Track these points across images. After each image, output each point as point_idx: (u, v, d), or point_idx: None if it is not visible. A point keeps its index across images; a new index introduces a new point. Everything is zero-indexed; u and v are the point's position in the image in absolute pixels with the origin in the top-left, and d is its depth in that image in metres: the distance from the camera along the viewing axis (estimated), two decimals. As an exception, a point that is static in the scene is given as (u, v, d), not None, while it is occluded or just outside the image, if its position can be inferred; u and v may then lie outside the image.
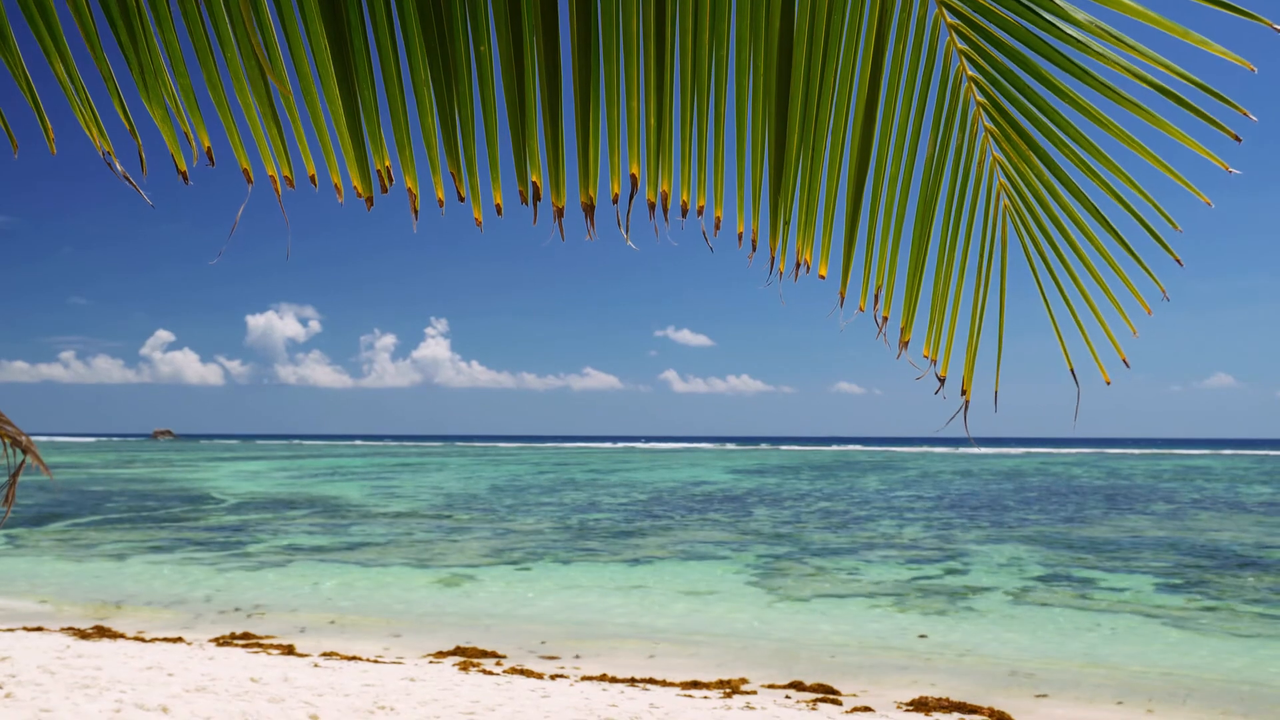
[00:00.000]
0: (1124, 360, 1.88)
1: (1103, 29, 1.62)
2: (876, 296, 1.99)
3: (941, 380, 1.99)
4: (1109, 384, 1.87)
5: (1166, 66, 1.61)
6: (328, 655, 9.54)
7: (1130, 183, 1.79)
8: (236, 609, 12.53)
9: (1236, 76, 1.63)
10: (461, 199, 1.73)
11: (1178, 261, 1.81)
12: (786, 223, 1.89)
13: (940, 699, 8.20)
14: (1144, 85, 1.64)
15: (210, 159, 1.72)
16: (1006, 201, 1.94)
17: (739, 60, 1.76)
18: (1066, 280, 1.91)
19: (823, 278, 1.97)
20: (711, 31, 1.72)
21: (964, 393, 1.98)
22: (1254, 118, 1.59)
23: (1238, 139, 1.62)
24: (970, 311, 2.00)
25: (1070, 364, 1.89)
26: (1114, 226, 1.84)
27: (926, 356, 2.01)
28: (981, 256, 1.98)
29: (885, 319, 1.99)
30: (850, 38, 1.77)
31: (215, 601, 13.10)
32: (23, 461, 4.31)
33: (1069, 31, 1.64)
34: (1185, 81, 1.61)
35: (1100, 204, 1.84)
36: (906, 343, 1.99)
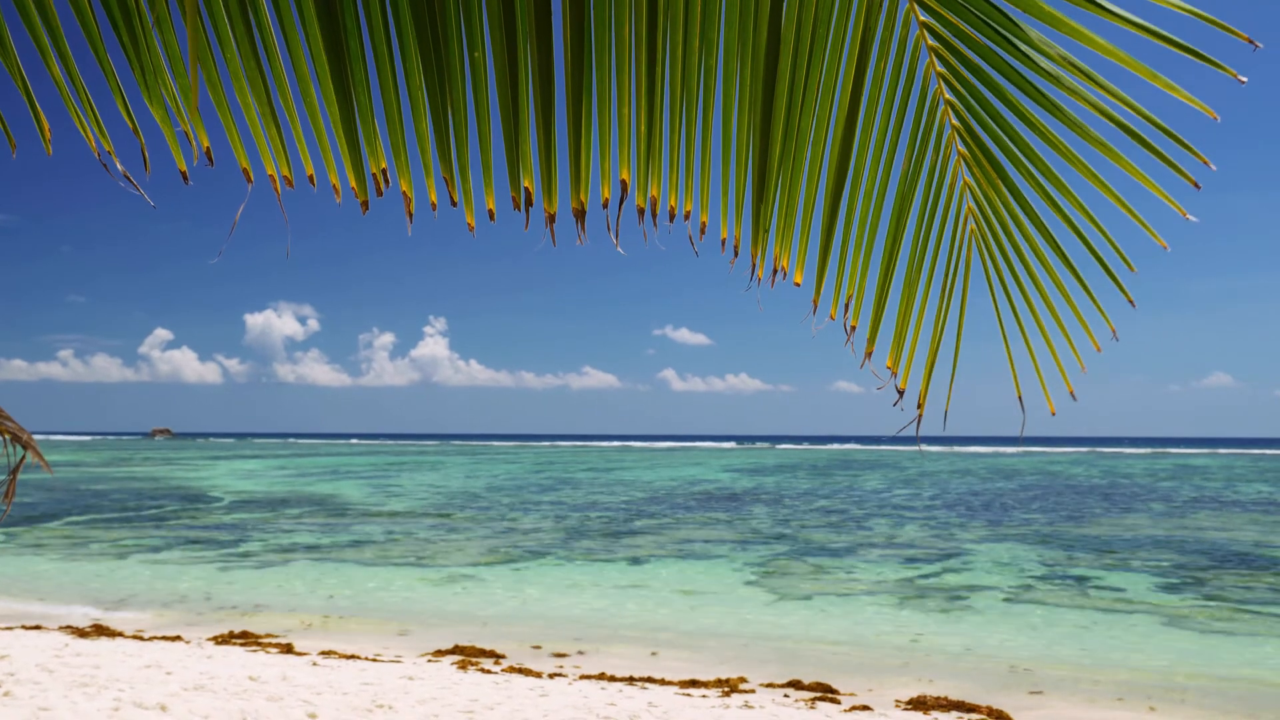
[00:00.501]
0: (1071, 393, 1.91)
1: (1074, 65, 1.64)
2: (846, 306, 2.03)
3: (901, 392, 2.02)
4: (1054, 414, 1.91)
5: (1133, 108, 1.63)
6: (326, 654, 9.54)
7: (1091, 219, 1.81)
8: (235, 608, 12.53)
9: (1215, 98, 1.64)
10: (454, 204, 1.75)
11: (1130, 303, 1.83)
12: (766, 230, 1.92)
13: (939, 697, 8.22)
14: (1111, 124, 1.66)
15: (209, 159, 1.73)
16: (973, 225, 1.97)
17: (726, 70, 1.78)
18: (1024, 309, 1.94)
19: (798, 285, 2.00)
20: (701, 40, 1.74)
21: (919, 406, 2.01)
22: (1214, 166, 1.62)
23: (1197, 186, 1.65)
24: (932, 328, 2.04)
25: (1019, 391, 1.93)
26: (1071, 262, 1.88)
27: (889, 368, 2.04)
28: (946, 276, 2.01)
29: (853, 328, 2.02)
30: (833, 53, 1.80)
31: (213, 600, 13.10)
32: (23, 457, 4.31)
33: (1042, 64, 1.66)
34: (1151, 125, 1.64)
35: (1061, 237, 1.87)
36: (870, 353, 2.03)
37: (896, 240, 2.00)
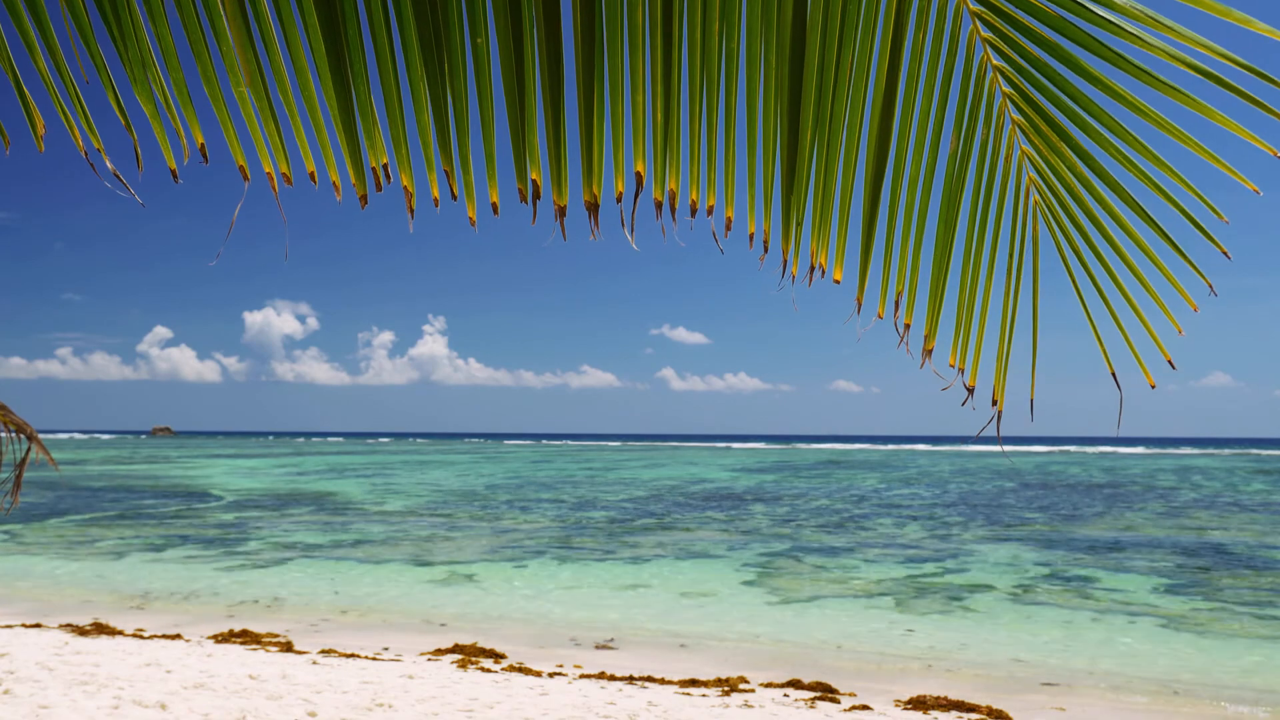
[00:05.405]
0: (1169, 361, 1.75)
1: (1138, 10, 1.54)
2: (897, 302, 1.88)
3: (970, 390, 1.87)
4: (1154, 388, 1.75)
5: (1206, 47, 1.51)
6: (326, 652, 9.52)
7: (1171, 172, 1.69)
8: (235, 606, 12.51)
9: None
10: (454, 198, 1.68)
11: (1225, 254, 1.69)
12: (800, 223, 1.80)
13: (938, 697, 8.20)
14: (1183, 68, 1.54)
15: (204, 155, 1.70)
16: (1037, 197, 1.83)
17: (749, 51, 1.68)
18: (1104, 278, 1.79)
19: (838, 282, 1.86)
20: (721, 20, 1.65)
21: (995, 402, 1.85)
22: None
23: None
24: (1000, 315, 1.88)
25: (1111, 367, 1.77)
26: (1155, 220, 1.73)
27: (953, 366, 1.89)
28: (1011, 256, 1.87)
29: (907, 326, 1.88)
30: (866, 27, 1.69)
31: (213, 598, 13.08)
32: (28, 450, 4.30)
33: (1101, 14, 1.55)
34: (1227, 62, 1.51)
35: (1138, 196, 1.74)
36: (930, 351, 1.88)
37: (950, 224, 1.86)
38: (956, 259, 1.90)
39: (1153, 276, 1.78)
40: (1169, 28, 1.53)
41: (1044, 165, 1.80)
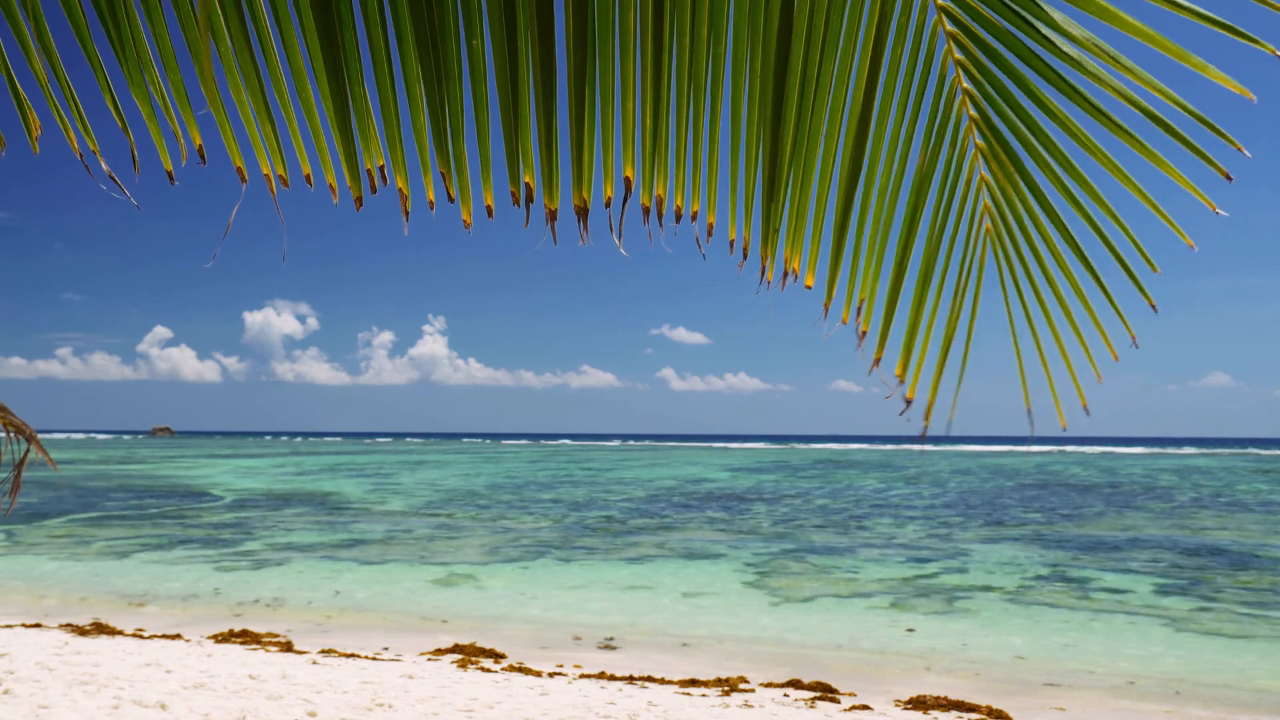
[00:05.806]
0: (1085, 407, 1.77)
1: (1099, 47, 1.53)
2: (859, 310, 1.92)
3: (908, 402, 1.89)
4: (1065, 428, 1.77)
5: (1161, 92, 1.51)
6: (326, 652, 9.53)
7: (1113, 216, 1.70)
8: (235, 605, 12.52)
9: (1218, 99, 1.51)
10: (451, 199, 1.69)
11: (1153, 307, 1.71)
12: (776, 230, 1.83)
13: (938, 697, 8.20)
14: (1137, 111, 1.54)
15: (201, 157, 1.70)
16: (989, 225, 1.84)
17: (736, 60, 1.70)
18: (1039, 315, 1.81)
19: (809, 288, 1.90)
20: (710, 28, 1.67)
21: (925, 418, 1.87)
22: (1248, 154, 1.49)
23: (1229, 178, 1.52)
24: (942, 336, 1.90)
25: (1029, 404, 1.79)
26: (1091, 262, 1.74)
27: (897, 376, 1.91)
28: (959, 279, 1.89)
29: (864, 333, 1.91)
30: (848, 41, 1.71)
31: (214, 598, 13.09)
32: (27, 451, 4.30)
33: (1064, 47, 1.55)
34: (1179, 109, 1.51)
35: (1080, 234, 1.75)
36: (879, 360, 1.91)
37: (909, 241, 1.90)
38: (912, 275, 1.92)
39: (1103, 310, 1.80)
40: (1126, 67, 1.52)
41: (998, 193, 1.80)
